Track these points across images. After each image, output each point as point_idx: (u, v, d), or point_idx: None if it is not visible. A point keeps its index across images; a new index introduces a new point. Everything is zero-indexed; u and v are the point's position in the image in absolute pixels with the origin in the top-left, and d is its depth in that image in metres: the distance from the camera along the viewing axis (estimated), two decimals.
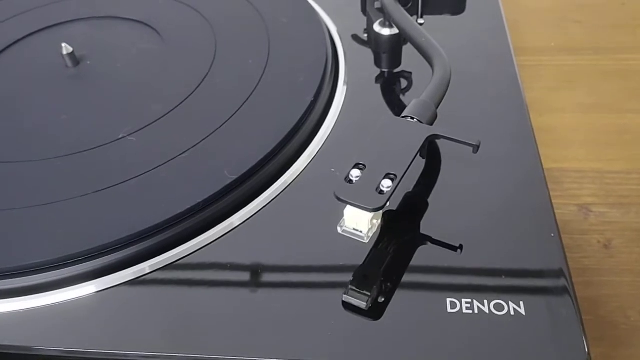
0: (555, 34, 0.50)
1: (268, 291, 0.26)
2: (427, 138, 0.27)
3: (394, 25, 0.36)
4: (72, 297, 0.26)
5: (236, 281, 0.26)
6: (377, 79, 0.37)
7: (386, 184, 0.25)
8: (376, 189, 0.25)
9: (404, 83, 0.36)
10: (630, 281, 0.32)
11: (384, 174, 0.25)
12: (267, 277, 0.26)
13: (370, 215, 0.24)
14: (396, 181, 0.25)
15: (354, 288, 0.25)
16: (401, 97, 0.35)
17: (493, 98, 0.34)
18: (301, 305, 0.25)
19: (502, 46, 0.37)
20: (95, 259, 0.27)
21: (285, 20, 0.39)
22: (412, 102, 0.28)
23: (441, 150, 0.31)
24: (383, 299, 0.25)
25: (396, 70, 0.37)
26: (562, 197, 0.37)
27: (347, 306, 0.25)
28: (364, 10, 0.42)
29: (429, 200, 0.29)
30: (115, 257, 0.27)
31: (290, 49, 0.37)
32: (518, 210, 0.28)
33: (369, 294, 0.24)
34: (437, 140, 0.30)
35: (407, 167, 0.25)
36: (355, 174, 0.25)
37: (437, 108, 0.29)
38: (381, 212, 0.25)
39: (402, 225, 0.28)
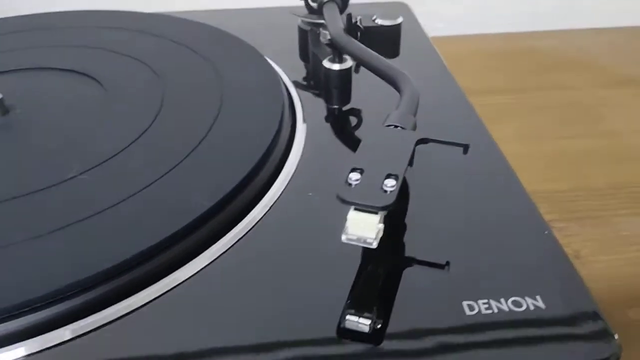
0: (476, 79, 0.53)
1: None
2: (416, 142, 0.26)
3: (343, 60, 0.36)
4: None
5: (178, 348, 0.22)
6: (332, 116, 0.36)
7: (389, 183, 0.23)
8: (380, 189, 0.23)
9: (358, 115, 0.36)
10: None
11: (385, 175, 0.24)
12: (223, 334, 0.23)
13: (378, 217, 0.23)
14: (399, 180, 0.24)
15: (353, 312, 0.23)
16: (357, 131, 0.35)
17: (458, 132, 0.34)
18: None
19: (450, 85, 0.38)
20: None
21: (238, 66, 0.38)
22: (390, 114, 0.28)
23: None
24: (380, 324, 0.23)
25: (348, 106, 0.37)
26: None
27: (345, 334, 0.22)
28: (303, 57, 0.42)
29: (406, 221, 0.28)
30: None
31: (243, 94, 0.35)
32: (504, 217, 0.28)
33: (370, 315, 0.23)
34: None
35: (405, 166, 0.24)
36: (354, 177, 0.24)
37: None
38: (383, 215, 0.24)
39: (386, 246, 0.26)
